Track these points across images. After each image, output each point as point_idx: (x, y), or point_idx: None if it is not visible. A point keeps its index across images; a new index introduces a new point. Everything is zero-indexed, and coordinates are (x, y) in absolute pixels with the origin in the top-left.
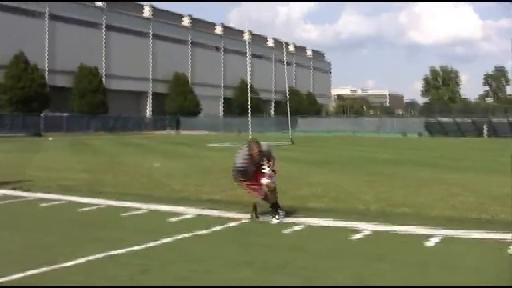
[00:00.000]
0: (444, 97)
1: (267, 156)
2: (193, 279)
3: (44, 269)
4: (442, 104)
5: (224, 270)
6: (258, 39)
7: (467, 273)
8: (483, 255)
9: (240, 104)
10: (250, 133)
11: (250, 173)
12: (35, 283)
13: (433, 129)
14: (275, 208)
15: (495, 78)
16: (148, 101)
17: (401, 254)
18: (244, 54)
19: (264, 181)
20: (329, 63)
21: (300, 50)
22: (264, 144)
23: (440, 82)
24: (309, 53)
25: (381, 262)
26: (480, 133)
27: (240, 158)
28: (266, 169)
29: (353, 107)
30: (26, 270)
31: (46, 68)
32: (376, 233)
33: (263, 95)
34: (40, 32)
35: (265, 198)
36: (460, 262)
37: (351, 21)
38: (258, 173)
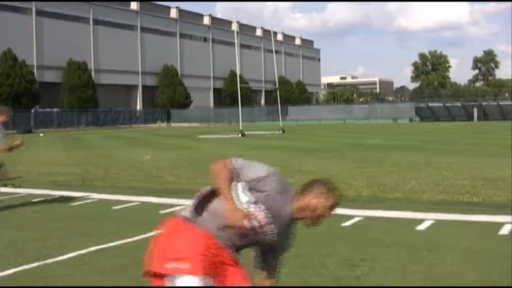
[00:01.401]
0: (434, 82)
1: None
2: None
3: (36, 264)
4: (432, 89)
5: None
6: (246, 29)
7: (458, 255)
8: (474, 238)
9: (230, 94)
10: (240, 123)
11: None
12: (28, 278)
13: (423, 115)
14: None
15: (484, 62)
16: (138, 95)
17: (392, 239)
18: (233, 44)
19: None
20: (318, 50)
21: (288, 38)
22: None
23: (430, 67)
24: (298, 41)
25: (372, 247)
26: (470, 117)
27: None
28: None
29: (343, 94)
30: (19, 265)
31: (35, 64)
32: (368, 218)
33: (253, 85)
34: (27, 28)
35: None
36: (451, 245)
37: (339, 9)
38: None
